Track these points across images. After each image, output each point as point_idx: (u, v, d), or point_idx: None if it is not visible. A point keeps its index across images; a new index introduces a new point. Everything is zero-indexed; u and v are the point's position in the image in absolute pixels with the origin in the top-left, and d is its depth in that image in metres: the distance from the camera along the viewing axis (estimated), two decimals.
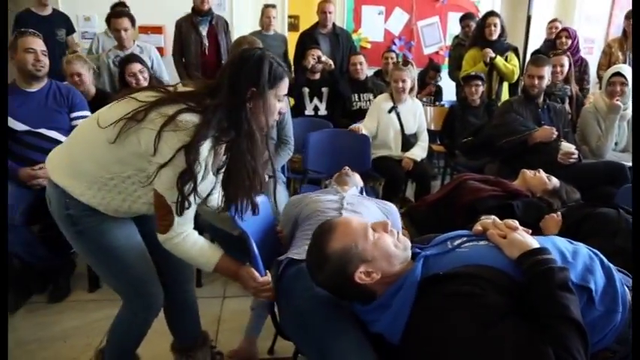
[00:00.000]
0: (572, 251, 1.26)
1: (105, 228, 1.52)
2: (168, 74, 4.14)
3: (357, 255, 1.22)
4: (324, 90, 4.17)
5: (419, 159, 3.51)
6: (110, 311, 2.33)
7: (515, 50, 4.37)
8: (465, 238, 1.31)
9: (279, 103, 1.49)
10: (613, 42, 4.73)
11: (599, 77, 4.49)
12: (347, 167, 2.39)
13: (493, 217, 1.41)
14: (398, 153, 3.55)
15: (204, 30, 4.26)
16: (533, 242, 1.20)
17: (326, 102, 4.18)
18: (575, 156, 2.97)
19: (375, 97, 4.02)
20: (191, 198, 1.38)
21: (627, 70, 3.27)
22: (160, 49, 4.82)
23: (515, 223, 1.27)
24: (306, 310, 1.40)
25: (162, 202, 1.41)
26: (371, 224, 1.29)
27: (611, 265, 1.26)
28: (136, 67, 3.19)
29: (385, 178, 3.50)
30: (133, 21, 3.88)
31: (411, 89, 3.61)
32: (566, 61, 3.89)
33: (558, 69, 3.82)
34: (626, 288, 1.24)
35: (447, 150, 4.17)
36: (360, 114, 4.01)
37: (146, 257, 1.64)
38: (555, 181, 2.33)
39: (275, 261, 1.71)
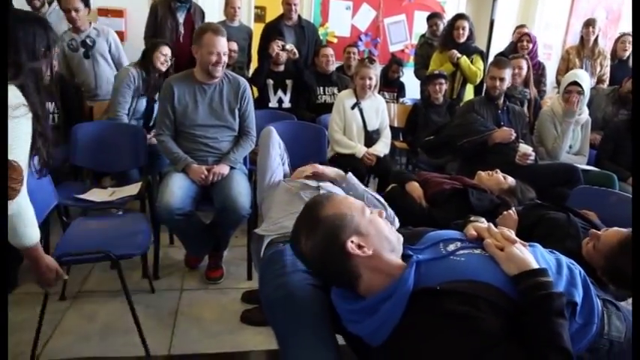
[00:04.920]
0: (556, 264, 1.26)
1: None
2: (129, 59, 3.95)
3: (352, 225, 1.16)
4: (289, 82, 4.12)
5: (381, 155, 3.52)
6: (60, 305, 2.26)
7: (482, 53, 4.45)
8: (459, 244, 1.25)
9: None
10: (571, 49, 4.92)
11: (558, 82, 4.66)
12: (318, 164, 2.42)
13: (483, 220, 1.39)
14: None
15: (181, 17, 4.10)
16: (532, 261, 1.17)
17: (290, 94, 4.15)
18: (532, 157, 3.05)
19: (339, 90, 4.01)
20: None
21: (583, 78, 3.38)
22: (120, 34, 4.60)
23: (512, 234, 1.24)
24: (274, 301, 1.38)
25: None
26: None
27: (587, 277, 1.27)
28: None
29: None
30: (86, 0, 3.55)
31: (375, 86, 3.63)
32: (524, 64, 3.90)
33: (516, 71, 3.81)
34: (597, 299, 1.25)
35: (409, 147, 4.21)
36: (325, 107, 4.01)
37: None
38: (511, 180, 2.38)
39: (252, 233, 1.77)
